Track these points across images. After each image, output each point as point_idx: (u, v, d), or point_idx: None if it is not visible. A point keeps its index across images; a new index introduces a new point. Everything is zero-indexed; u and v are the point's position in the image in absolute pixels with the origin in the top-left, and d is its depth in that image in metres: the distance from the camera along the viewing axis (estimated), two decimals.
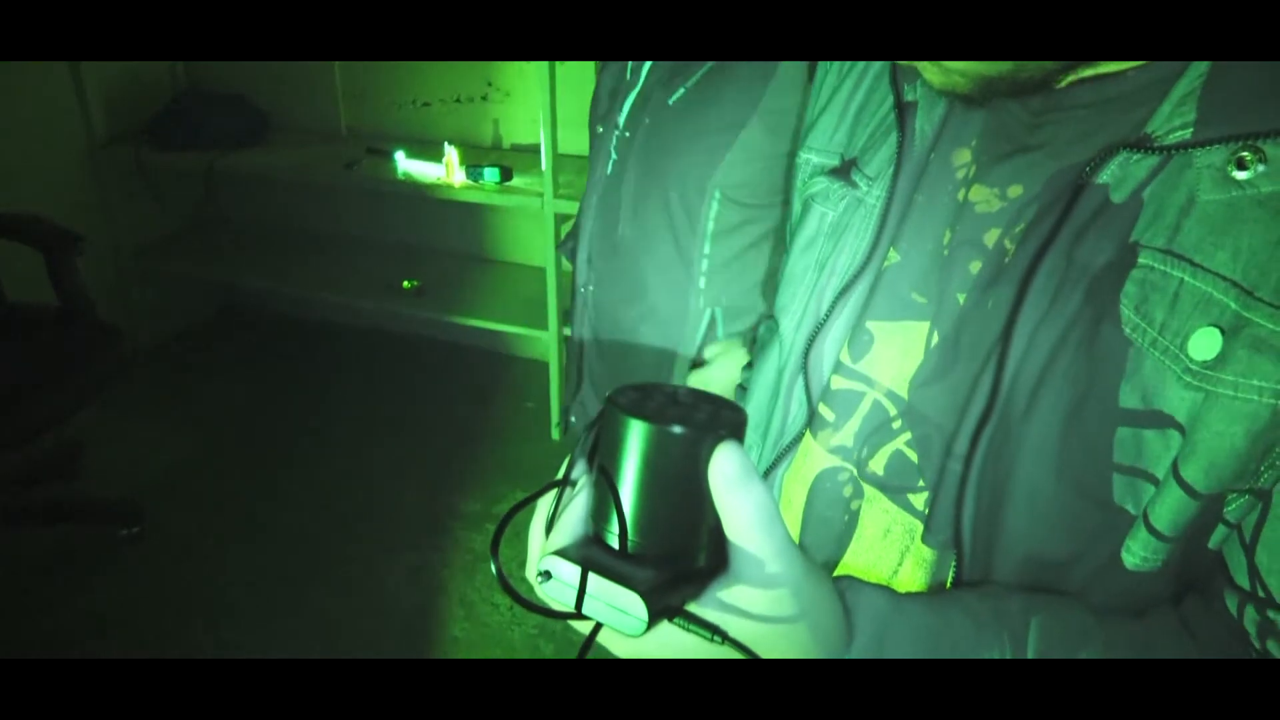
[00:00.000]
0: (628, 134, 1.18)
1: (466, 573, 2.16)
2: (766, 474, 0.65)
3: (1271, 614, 0.46)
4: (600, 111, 1.23)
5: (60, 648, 1.92)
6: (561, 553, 0.42)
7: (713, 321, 1.19)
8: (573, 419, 1.37)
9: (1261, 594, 0.47)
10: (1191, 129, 0.46)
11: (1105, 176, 0.49)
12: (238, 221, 3.18)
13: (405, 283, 2.79)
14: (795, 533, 0.63)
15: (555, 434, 2.69)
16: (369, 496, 2.42)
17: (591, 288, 1.28)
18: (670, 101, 1.13)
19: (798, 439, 0.63)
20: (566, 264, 1.45)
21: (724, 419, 0.41)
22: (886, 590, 0.49)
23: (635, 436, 0.40)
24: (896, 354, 0.57)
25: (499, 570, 0.42)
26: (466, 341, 3.09)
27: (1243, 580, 0.48)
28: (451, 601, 2.08)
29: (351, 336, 3.22)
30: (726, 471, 0.40)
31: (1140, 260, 0.46)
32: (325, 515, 2.34)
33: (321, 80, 2.94)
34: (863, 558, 0.59)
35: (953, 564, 0.53)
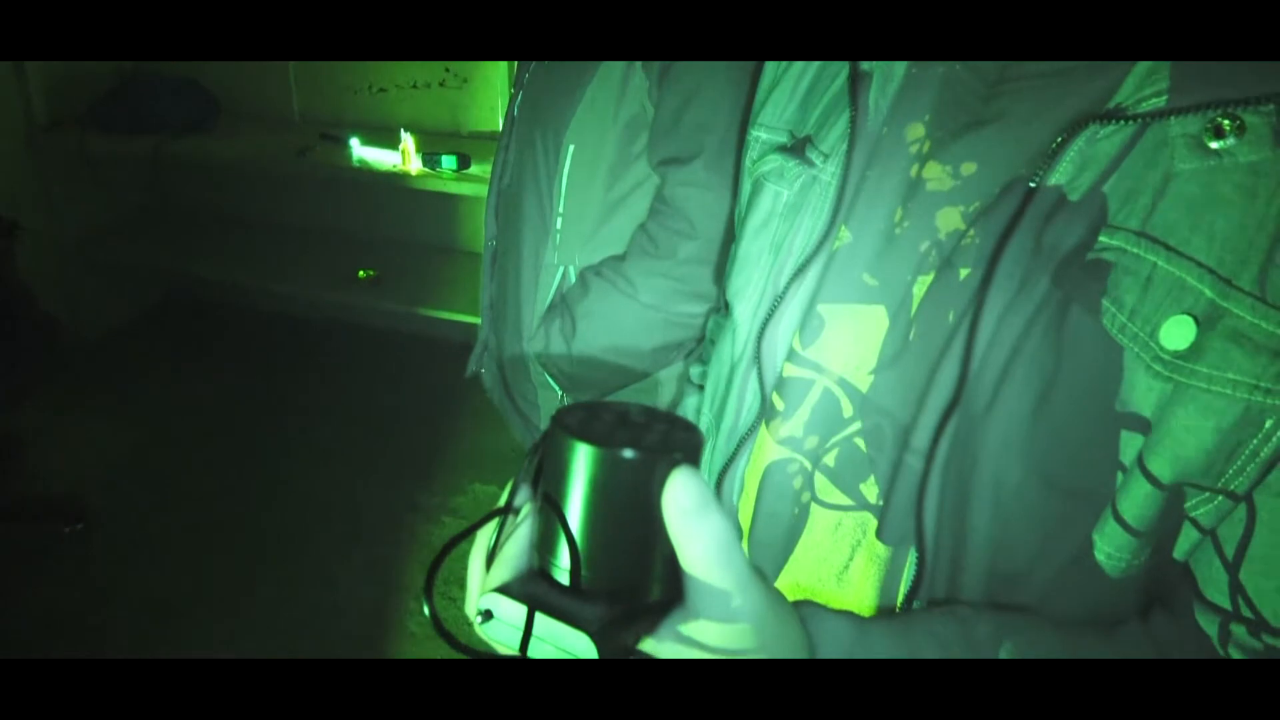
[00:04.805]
0: (520, 94, 1.21)
1: (423, 567, 2.13)
2: (726, 468, 0.63)
3: (1268, 638, 0.45)
4: (516, 78, 1.26)
5: (2, 648, 1.85)
6: (504, 589, 0.39)
7: (564, 278, 1.18)
8: (482, 370, 1.37)
9: (1248, 614, 0.45)
10: (1165, 97, 0.44)
11: (1058, 176, 0.46)
12: (186, 209, 3.10)
13: (361, 272, 2.73)
14: (746, 525, 0.61)
15: None
16: (323, 490, 2.37)
17: (494, 242, 1.29)
18: None
19: (753, 430, 0.61)
20: None
21: (677, 440, 0.39)
22: (850, 617, 0.47)
23: (582, 461, 0.37)
24: (848, 339, 0.55)
25: (433, 613, 0.39)
26: (424, 332, 3.04)
27: (1219, 598, 0.47)
28: (408, 596, 2.05)
29: (306, 327, 3.15)
30: (681, 501, 0.37)
31: (1113, 242, 0.45)
32: (278, 509, 2.29)
33: (274, 64, 2.87)
34: (813, 552, 0.57)
35: (911, 562, 0.52)
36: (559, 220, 1.16)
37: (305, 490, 2.36)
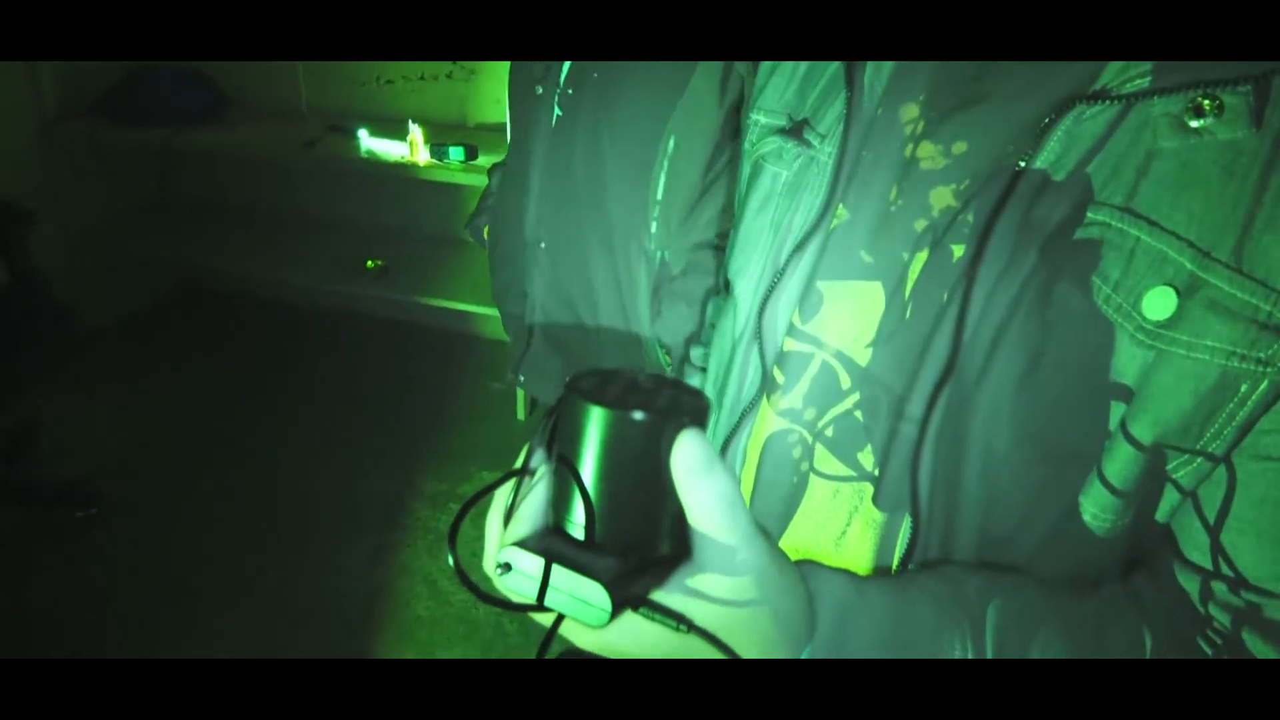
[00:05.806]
0: (570, 90, 1.20)
1: (430, 553, 2.16)
2: (728, 441, 0.65)
3: (1247, 595, 0.47)
4: (537, 74, 1.25)
5: (12, 630, 1.88)
6: (521, 544, 0.41)
7: (663, 263, 1.21)
8: (521, 377, 1.39)
9: (1228, 572, 0.47)
10: (1149, 78, 0.46)
11: (1046, 155, 0.48)
12: (195, 200, 3.12)
13: (369, 263, 2.76)
14: (748, 494, 0.63)
15: (521, 414, 2.68)
16: (332, 478, 2.39)
17: (544, 244, 1.29)
18: None
19: (754, 403, 0.63)
20: None
21: (685, 404, 0.41)
22: (849, 574, 0.49)
23: (595, 423, 0.40)
24: (846, 314, 0.57)
25: (456, 563, 0.41)
26: (431, 322, 3.07)
27: (1199, 558, 0.48)
28: (415, 581, 2.07)
29: (314, 317, 3.17)
30: (688, 460, 0.39)
31: (1098, 218, 0.47)
32: (286, 496, 2.31)
33: None
34: (812, 518, 0.59)
35: (906, 526, 0.54)
36: (656, 209, 1.19)
37: (314, 478, 2.39)
